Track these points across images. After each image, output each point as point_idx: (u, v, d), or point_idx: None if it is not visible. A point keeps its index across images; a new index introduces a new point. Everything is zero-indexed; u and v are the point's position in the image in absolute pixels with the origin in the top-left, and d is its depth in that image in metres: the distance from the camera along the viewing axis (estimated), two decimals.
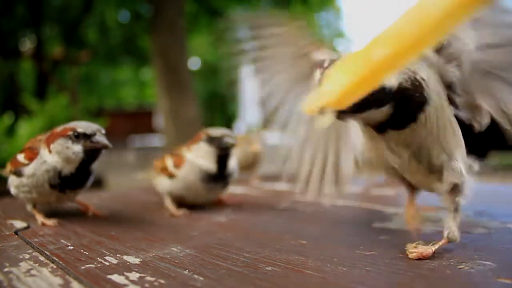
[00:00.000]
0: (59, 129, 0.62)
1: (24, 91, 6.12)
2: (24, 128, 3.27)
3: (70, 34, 6.44)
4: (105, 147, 0.60)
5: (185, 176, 0.75)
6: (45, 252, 0.48)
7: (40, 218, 0.63)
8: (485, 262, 0.42)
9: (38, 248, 0.49)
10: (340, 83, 0.36)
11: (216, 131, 0.75)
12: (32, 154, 0.63)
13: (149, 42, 4.78)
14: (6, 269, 0.41)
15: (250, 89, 5.97)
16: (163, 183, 0.79)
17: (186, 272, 0.41)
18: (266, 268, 0.41)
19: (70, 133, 0.60)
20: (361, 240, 0.52)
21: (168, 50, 3.94)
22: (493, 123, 0.49)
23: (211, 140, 0.74)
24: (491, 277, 0.37)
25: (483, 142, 0.52)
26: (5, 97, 6.17)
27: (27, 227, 0.61)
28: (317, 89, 0.37)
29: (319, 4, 8.25)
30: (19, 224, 0.63)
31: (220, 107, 12.05)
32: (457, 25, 0.34)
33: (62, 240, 0.53)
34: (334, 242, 0.52)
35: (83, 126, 0.60)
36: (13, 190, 0.66)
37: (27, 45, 7.21)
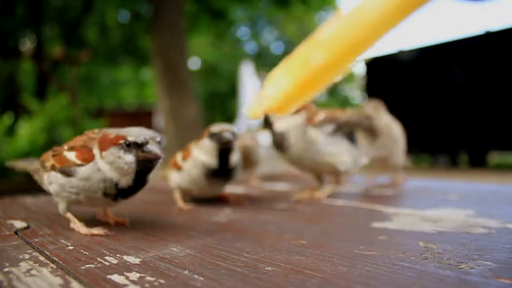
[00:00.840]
0: (111, 135, 0.57)
1: (24, 91, 6.12)
2: (24, 128, 3.27)
3: (70, 34, 6.44)
4: (157, 158, 0.55)
5: (189, 169, 0.80)
6: (45, 252, 0.48)
7: (82, 229, 0.58)
8: (485, 262, 0.42)
9: (38, 248, 0.49)
10: (281, 87, 0.35)
11: (217, 127, 0.78)
12: (88, 156, 0.57)
13: (149, 42, 4.78)
14: (6, 269, 0.41)
15: (250, 89, 5.96)
16: (173, 177, 0.84)
17: (186, 272, 0.41)
18: (266, 268, 0.41)
19: (121, 141, 0.55)
20: (361, 240, 0.52)
21: (168, 50, 3.94)
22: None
23: (212, 135, 0.77)
24: (491, 277, 0.37)
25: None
26: (5, 97, 6.17)
27: (27, 227, 0.61)
28: (259, 93, 0.37)
29: (319, 4, 8.25)
30: (19, 224, 0.63)
31: (220, 107, 12.08)
32: (395, 29, 0.33)
33: (62, 240, 0.53)
34: (334, 242, 0.52)
35: (134, 134, 0.55)
36: (53, 188, 0.60)
37: (27, 45, 7.21)
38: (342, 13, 0.32)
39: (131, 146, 0.55)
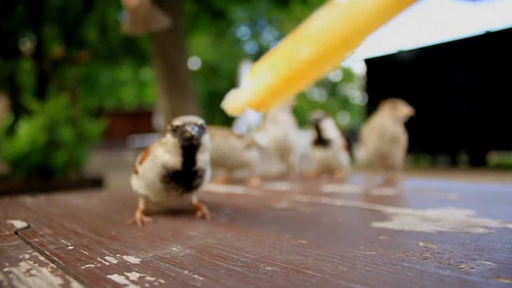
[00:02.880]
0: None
1: (24, 91, 6.13)
2: (24, 128, 3.27)
3: (70, 34, 6.44)
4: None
5: (144, 173, 0.66)
6: (45, 252, 0.48)
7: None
8: (485, 262, 0.42)
9: (38, 248, 0.49)
10: (264, 81, 0.34)
11: (180, 119, 0.63)
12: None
13: (149, 42, 4.79)
14: (6, 269, 0.41)
15: None
16: (133, 182, 0.71)
17: (186, 272, 0.41)
18: (266, 268, 0.41)
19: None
20: (361, 240, 0.52)
21: (168, 50, 3.94)
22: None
23: (174, 129, 0.63)
24: (491, 277, 0.37)
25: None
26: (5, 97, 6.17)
27: (27, 227, 0.61)
28: (240, 86, 0.36)
29: (319, 4, 8.25)
30: (19, 224, 0.63)
31: (220, 107, 12.11)
32: (387, 23, 0.32)
33: (62, 240, 0.53)
34: (334, 242, 0.52)
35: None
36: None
37: (27, 45, 7.22)
38: (331, 6, 0.31)
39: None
